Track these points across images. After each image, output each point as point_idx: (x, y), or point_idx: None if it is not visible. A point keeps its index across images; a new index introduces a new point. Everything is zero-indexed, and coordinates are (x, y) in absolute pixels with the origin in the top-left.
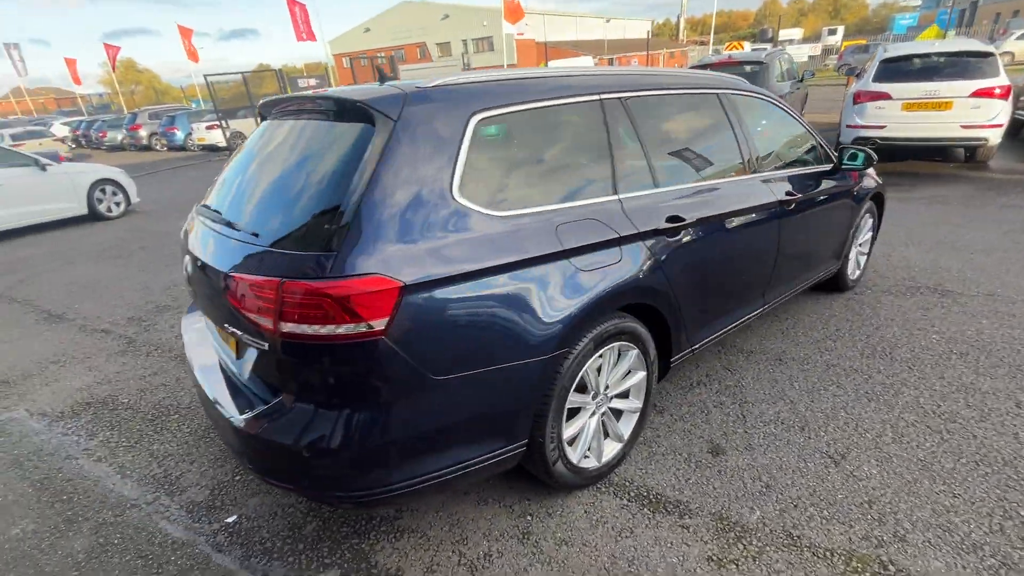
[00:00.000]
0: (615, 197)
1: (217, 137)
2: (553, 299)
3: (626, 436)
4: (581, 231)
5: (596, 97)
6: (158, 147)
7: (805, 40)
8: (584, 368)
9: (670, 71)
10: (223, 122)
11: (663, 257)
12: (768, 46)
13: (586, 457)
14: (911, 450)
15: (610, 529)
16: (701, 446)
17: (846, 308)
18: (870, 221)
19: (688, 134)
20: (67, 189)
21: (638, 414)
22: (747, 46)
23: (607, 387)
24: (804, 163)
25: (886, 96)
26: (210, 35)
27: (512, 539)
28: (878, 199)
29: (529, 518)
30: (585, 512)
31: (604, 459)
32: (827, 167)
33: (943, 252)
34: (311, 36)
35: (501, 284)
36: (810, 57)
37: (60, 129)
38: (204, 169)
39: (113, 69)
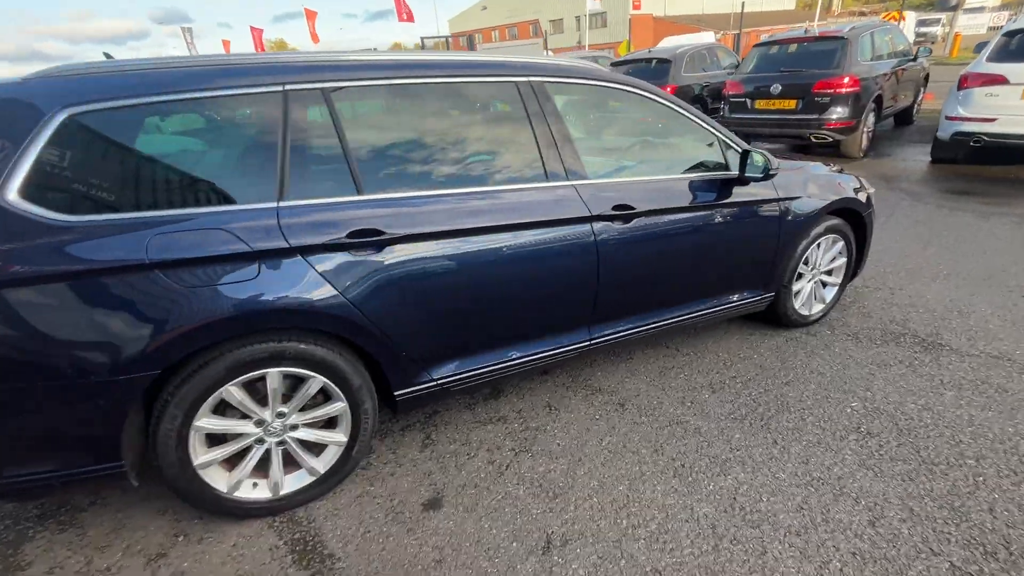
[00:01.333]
0: (271, 205)
1: None
2: (141, 315)
3: (321, 469)
4: (190, 242)
5: (277, 88)
6: None
7: (1004, 6)
8: (218, 393)
9: (441, 55)
10: None
11: (348, 277)
12: (942, 16)
13: (255, 486)
14: (656, 563)
15: (240, 569)
16: (423, 496)
17: (773, 351)
18: (838, 245)
19: (429, 132)
20: None
21: (342, 448)
22: (911, 17)
23: (283, 415)
24: (689, 168)
25: (1001, 80)
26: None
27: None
28: (853, 217)
29: (178, 539)
30: (233, 546)
31: (283, 491)
32: (730, 174)
33: (982, 290)
34: (411, 17)
35: (62, 293)
36: (990, 28)
37: None
38: None
39: (259, 50)
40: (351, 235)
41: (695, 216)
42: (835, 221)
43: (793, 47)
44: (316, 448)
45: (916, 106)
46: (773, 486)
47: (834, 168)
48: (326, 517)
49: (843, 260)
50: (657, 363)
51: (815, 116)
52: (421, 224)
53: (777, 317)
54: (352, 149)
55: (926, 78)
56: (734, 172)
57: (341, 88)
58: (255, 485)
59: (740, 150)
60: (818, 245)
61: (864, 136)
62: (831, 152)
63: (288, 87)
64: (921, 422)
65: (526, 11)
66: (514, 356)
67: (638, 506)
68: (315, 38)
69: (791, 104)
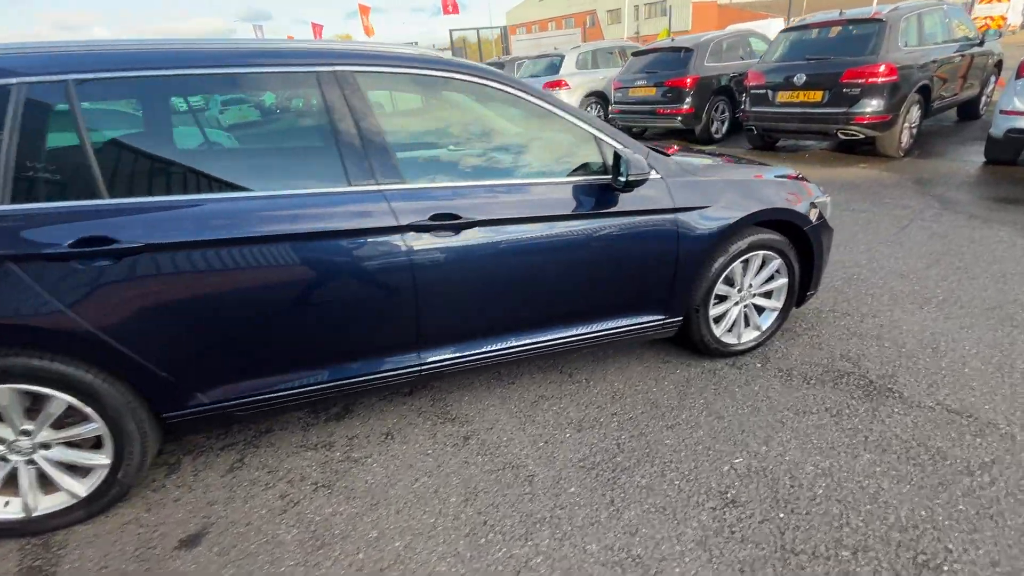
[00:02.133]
0: None
1: None
2: None
3: (81, 492)
4: None
5: (11, 81)
6: None
7: None
8: None
9: (230, 43)
10: None
11: (75, 290)
12: None
13: (7, 504)
14: None
15: None
16: (188, 530)
17: (678, 385)
18: (773, 263)
19: (191, 128)
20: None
21: (107, 470)
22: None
23: (28, 433)
24: (552, 172)
25: None
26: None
27: None
28: (793, 232)
29: None
30: None
31: (37, 512)
32: (593, 179)
33: (976, 324)
34: (456, 9)
35: None
36: None
37: None
38: None
39: None
40: (78, 244)
41: (552, 228)
42: (767, 236)
43: (824, 32)
44: (83, 470)
45: (985, 97)
46: (572, 562)
47: (788, 174)
48: (80, 544)
49: (783, 281)
50: (537, 390)
51: (843, 110)
52: (167, 233)
53: (694, 345)
54: (93, 149)
55: (998, 65)
56: (598, 177)
57: (86, 81)
58: (7, 503)
59: (618, 151)
60: (745, 263)
61: (905, 132)
62: (867, 151)
63: (23, 80)
64: (809, 492)
65: (584, 1)
66: (315, 381)
67: (400, 571)
68: (369, 31)
69: (816, 96)
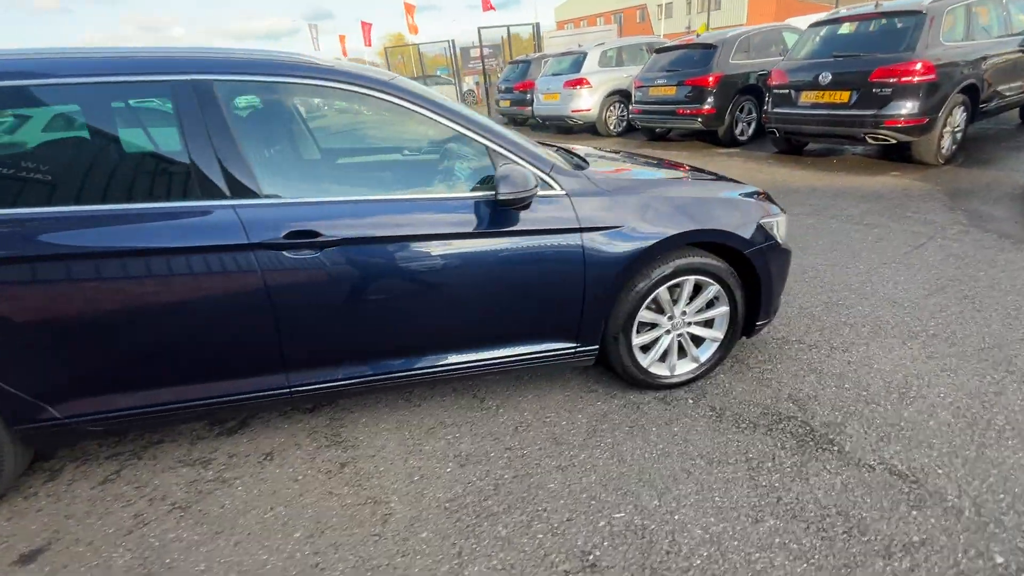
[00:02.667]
0: None
1: None
2: None
3: None
4: None
5: None
6: None
7: None
8: None
9: (78, 52)
10: None
11: None
12: None
13: None
14: None
15: None
16: (33, 545)
17: (592, 420)
18: (710, 289)
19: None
20: None
21: None
22: None
23: None
24: (426, 188)
25: None
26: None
27: None
28: (730, 255)
29: None
30: None
31: None
32: (474, 196)
33: (964, 365)
34: (491, 7)
35: None
36: None
37: None
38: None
39: (367, 44)
40: None
41: (431, 247)
42: (698, 259)
43: (858, 26)
44: None
45: None
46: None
47: (753, 191)
48: None
49: (723, 309)
50: (440, 415)
51: (872, 112)
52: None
53: (618, 375)
54: None
55: None
56: (486, 194)
57: None
58: None
59: (501, 166)
60: (675, 288)
61: (946, 137)
62: (903, 158)
63: None
64: (683, 563)
65: None
66: (175, 400)
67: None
68: (413, 29)
69: (843, 96)
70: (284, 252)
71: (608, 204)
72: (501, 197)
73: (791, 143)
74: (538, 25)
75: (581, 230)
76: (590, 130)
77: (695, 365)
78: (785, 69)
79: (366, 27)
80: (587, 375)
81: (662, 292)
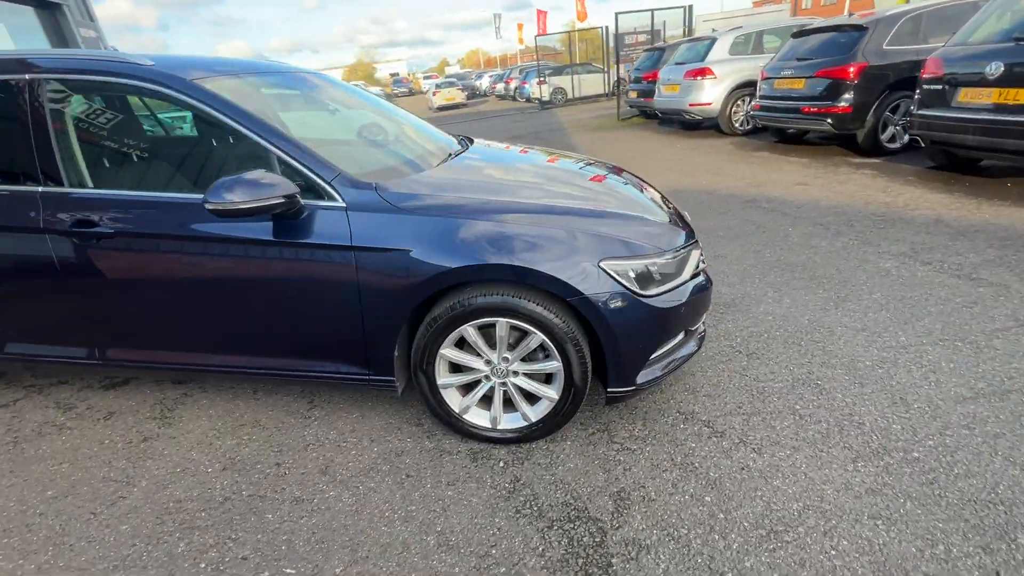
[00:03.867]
0: None
1: (544, 92)
2: None
3: None
4: None
5: None
6: (516, 98)
7: None
8: None
9: None
10: (545, 79)
11: None
12: None
13: None
14: None
15: None
16: None
17: (361, 462)
18: (533, 339)
19: None
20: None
21: None
22: None
23: None
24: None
25: None
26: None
27: None
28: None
29: None
30: None
31: None
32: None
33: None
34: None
35: None
36: None
37: (485, 81)
38: (502, 120)
39: (542, 33)
40: None
41: (208, 248)
42: (513, 300)
43: None
44: None
45: None
46: None
47: (644, 222)
48: None
49: (555, 364)
50: (260, 413)
51: None
52: None
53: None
54: None
55: None
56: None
57: None
58: None
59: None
60: (492, 328)
61: None
62: None
63: None
64: None
65: None
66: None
67: None
68: (582, 16)
69: (1021, 96)
70: (74, 239)
71: (394, 223)
72: (209, 206)
73: (952, 157)
74: (690, 8)
75: (354, 248)
76: (714, 127)
77: (524, 424)
78: (945, 57)
79: (541, 15)
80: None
81: (469, 331)
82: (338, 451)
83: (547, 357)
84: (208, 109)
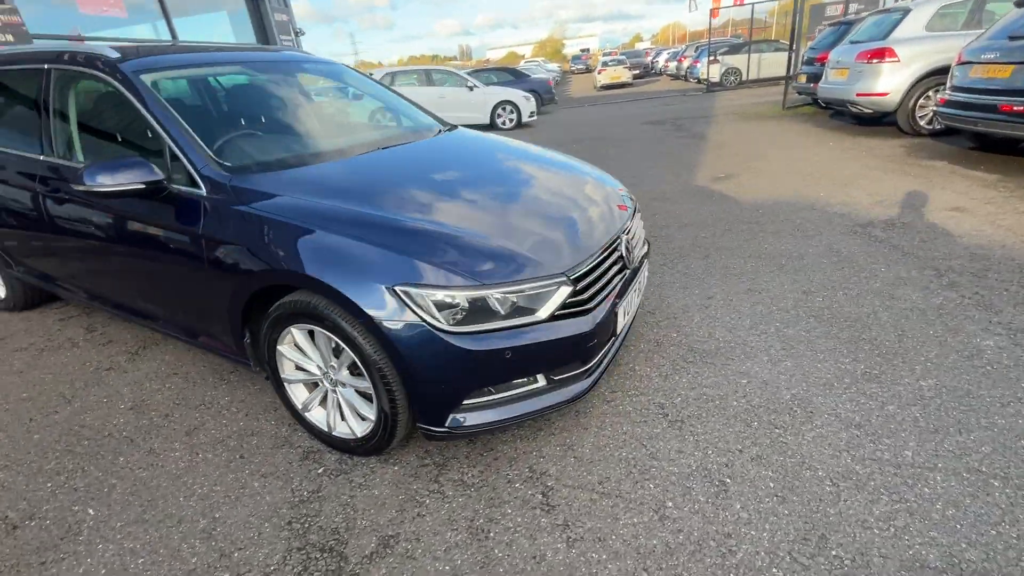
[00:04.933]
0: None
1: (713, 73)
2: None
3: None
4: None
5: None
6: (687, 78)
7: None
8: None
9: None
10: (717, 58)
11: None
12: None
13: None
14: None
15: None
16: None
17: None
18: (349, 354)
19: None
20: (480, 105)
21: None
22: None
23: None
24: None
25: None
26: None
27: None
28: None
29: None
30: None
31: None
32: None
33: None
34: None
35: None
36: None
37: (663, 58)
38: (649, 103)
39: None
40: None
41: (106, 218)
42: (312, 307)
43: None
44: None
45: None
46: None
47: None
48: None
49: (366, 384)
50: (182, 366)
51: None
52: None
53: None
54: None
55: None
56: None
57: None
58: None
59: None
60: (311, 334)
61: None
62: None
63: None
64: None
65: None
66: None
67: None
68: (714, 13)
69: None
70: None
71: (232, 217)
72: (78, 187)
73: None
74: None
75: (203, 236)
76: (894, 124)
77: (351, 436)
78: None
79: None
80: None
81: (295, 332)
82: (215, 417)
83: (363, 376)
84: (131, 99)
